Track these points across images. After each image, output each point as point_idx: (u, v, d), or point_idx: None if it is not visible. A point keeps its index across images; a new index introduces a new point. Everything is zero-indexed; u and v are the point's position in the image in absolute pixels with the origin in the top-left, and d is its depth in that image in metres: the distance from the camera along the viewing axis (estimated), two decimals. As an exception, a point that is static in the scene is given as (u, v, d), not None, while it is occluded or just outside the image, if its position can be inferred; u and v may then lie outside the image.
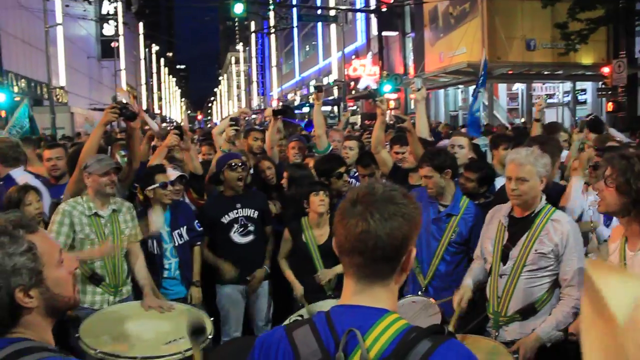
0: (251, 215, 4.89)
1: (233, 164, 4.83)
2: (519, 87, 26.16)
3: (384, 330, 1.49)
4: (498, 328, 3.45)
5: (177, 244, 4.63)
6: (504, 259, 3.44)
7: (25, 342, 1.50)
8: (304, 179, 5.04)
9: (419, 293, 4.02)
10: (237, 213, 4.84)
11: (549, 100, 23.02)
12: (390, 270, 1.56)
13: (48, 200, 4.71)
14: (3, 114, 20.18)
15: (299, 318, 3.95)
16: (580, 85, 24.25)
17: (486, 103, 23.92)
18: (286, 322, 3.97)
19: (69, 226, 3.98)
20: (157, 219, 4.48)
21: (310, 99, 31.19)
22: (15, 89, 29.56)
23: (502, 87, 26.33)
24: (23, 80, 33.43)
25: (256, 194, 5.13)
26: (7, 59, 26.46)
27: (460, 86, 26.58)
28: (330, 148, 6.12)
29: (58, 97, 34.64)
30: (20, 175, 4.97)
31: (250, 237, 4.88)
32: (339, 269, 4.32)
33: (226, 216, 4.82)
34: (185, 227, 4.67)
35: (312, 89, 7.55)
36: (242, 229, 4.84)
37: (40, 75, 34.26)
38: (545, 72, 23.33)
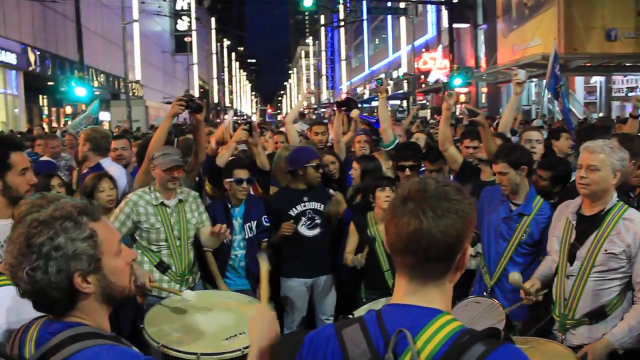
0: (318, 208, 4.89)
1: (316, 164, 4.86)
2: (597, 80, 25.01)
3: (436, 331, 1.43)
4: (565, 331, 3.29)
5: (247, 236, 4.71)
6: (571, 259, 3.29)
7: (82, 328, 1.56)
8: (376, 172, 4.99)
9: (484, 294, 3.89)
10: (304, 206, 4.85)
11: (631, 94, 21.90)
12: (444, 269, 1.50)
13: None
14: (83, 107, 21.06)
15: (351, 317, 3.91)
16: (665, 77, 22.97)
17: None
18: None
19: (131, 216, 4.09)
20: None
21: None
22: (95, 84, 30.89)
23: (579, 80, 25.24)
24: (102, 75, 34.90)
25: (321, 187, 5.12)
26: (88, 55, 27.59)
27: (534, 79, 25.67)
28: (397, 142, 6.02)
29: (134, 90, 35.94)
30: (110, 166, 5.17)
31: (317, 230, 4.88)
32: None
33: (294, 209, 4.83)
34: (255, 221, 4.75)
35: (380, 83, 7.50)
36: (309, 222, 4.85)
37: (117, 70, 35.64)
38: (627, 64, 22.16)
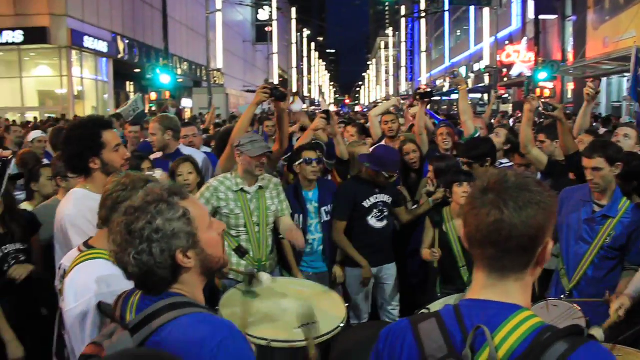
0: (387, 201, 4.89)
1: (391, 175, 4.84)
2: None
3: (515, 327, 1.39)
4: (657, 343, 3.12)
5: (323, 220, 4.75)
6: None
7: (180, 297, 1.67)
8: (449, 171, 4.91)
9: (562, 297, 3.72)
10: (376, 198, 4.85)
11: None
12: (525, 262, 1.45)
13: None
14: (168, 94, 21.77)
15: (426, 311, 3.85)
16: None
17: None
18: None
19: (211, 201, 4.18)
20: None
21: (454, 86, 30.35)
22: (179, 72, 31.87)
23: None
24: (185, 63, 36.00)
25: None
26: (173, 44, 28.52)
27: (627, 74, 24.36)
28: (478, 134, 5.88)
29: (215, 79, 36.83)
30: (189, 152, 5.28)
31: (385, 222, 4.89)
32: None
33: (367, 201, 4.83)
34: (331, 205, 4.80)
35: (453, 76, 7.30)
36: (379, 214, 4.85)
37: (200, 58, 36.66)
38: None
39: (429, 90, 6.78)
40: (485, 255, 1.46)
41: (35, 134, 7.67)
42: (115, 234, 1.66)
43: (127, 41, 28.40)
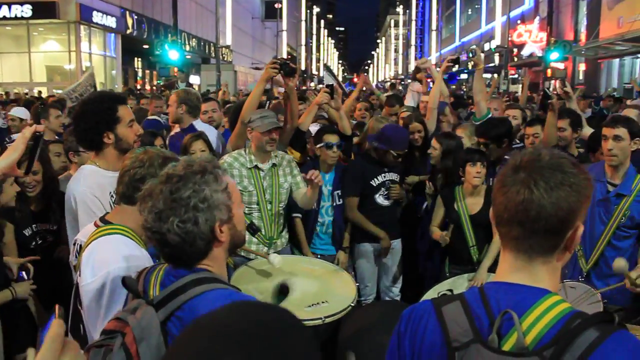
0: (395, 179, 4.91)
1: (398, 154, 4.80)
2: None
3: (543, 313, 1.34)
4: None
5: (335, 203, 4.76)
6: None
7: (205, 273, 1.65)
8: (459, 150, 4.85)
9: (580, 279, 3.72)
10: (384, 177, 4.85)
11: None
12: (553, 245, 1.40)
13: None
14: (175, 70, 21.68)
15: (448, 292, 3.83)
16: None
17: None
18: (430, 293, 3.89)
19: None
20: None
21: (469, 65, 30.06)
22: (187, 48, 31.73)
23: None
24: (194, 39, 35.83)
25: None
26: (182, 20, 28.37)
27: (640, 55, 24.08)
28: (490, 115, 5.81)
29: (224, 55, 36.65)
30: (202, 127, 5.21)
31: (392, 200, 4.92)
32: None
33: (375, 179, 4.83)
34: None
35: (471, 54, 7.12)
36: (386, 192, 4.87)
37: (208, 34, 36.48)
38: None
39: (458, 57, 6.77)
40: (512, 235, 1.42)
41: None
42: (156, 200, 1.63)
43: (135, 17, 28.25)
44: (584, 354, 1.26)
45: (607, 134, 3.78)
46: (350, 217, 4.83)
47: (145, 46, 28.79)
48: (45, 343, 1.01)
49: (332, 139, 4.67)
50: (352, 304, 3.23)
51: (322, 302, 3.19)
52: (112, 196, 2.77)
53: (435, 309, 1.48)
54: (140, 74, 32.99)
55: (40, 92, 21.23)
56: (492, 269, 3.99)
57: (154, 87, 27.37)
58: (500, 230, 1.45)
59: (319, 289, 3.42)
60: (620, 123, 3.77)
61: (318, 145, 4.71)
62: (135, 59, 31.85)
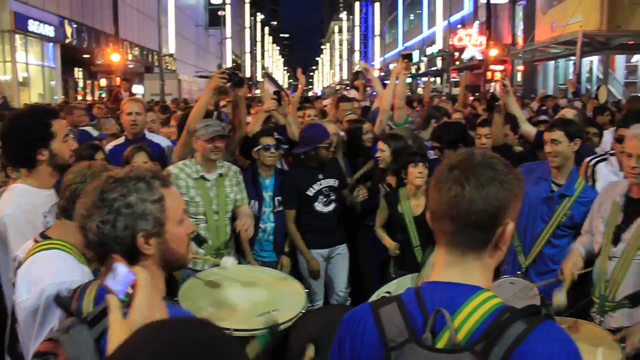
0: (333, 184, 4.90)
1: (327, 144, 4.82)
2: (639, 58, 24.21)
3: (474, 309, 1.40)
4: (603, 314, 3.23)
5: (276, 209, 4.74)
6: (616, 240, 3.21)
7: None
8: (404, 150, 4.93)
9: (518, 274, 3.84)
10: (320, 184, 4.85)
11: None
12: (484, 241, 1.46)
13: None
14: (118, 80, 21.24)
15: (387, 294, 3.88)
16: None
17: (600, 76, 22.45)
18: (373, 297, 3.94)
19: None
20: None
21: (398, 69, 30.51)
22: (130, 57, 31.10)
23: (619, 59, 24.43)
24: (136, 48, 35.15)
25: (334, 162, 5.10)
26: (123, 28, 27.76)
27: (573, 57, 24.98)
28: (409, 120, 5.93)
29: (167, 64, 36.11)
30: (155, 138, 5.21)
31: (332, 206, 4.90)
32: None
33: (311, 188, 4.82)
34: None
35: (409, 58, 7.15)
36: (325, 199, 4.86)
37: (151, 43, 35.84)
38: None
39: (410, 52, 6.85)
40: (444, 230, 1.48)
41: None
42: (88, 197, 1.62)
43: (75, 25, 27.48)
44: (512, 346, 1.32)
45: (545, 138, 3.94)
46: (287, 229, 4.84)
47: (86, 56, 28.08)
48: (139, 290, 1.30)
49: (269, 140, 4.66)
50: (303, 310, 3.23)
51: (273, 311, 3.17)
52: (44, 216, 2.65)
53: (372, 311, 1.52)
54: (81, 84, 32.14)
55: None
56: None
57: (98, 98, 26.75)
58: (435, 225, 1.51)
59: (269, 297, 3.40)
60: (557, 127, 3.92)
61: (255, 148, 4.68)
62: (76, 69, 30.97)
